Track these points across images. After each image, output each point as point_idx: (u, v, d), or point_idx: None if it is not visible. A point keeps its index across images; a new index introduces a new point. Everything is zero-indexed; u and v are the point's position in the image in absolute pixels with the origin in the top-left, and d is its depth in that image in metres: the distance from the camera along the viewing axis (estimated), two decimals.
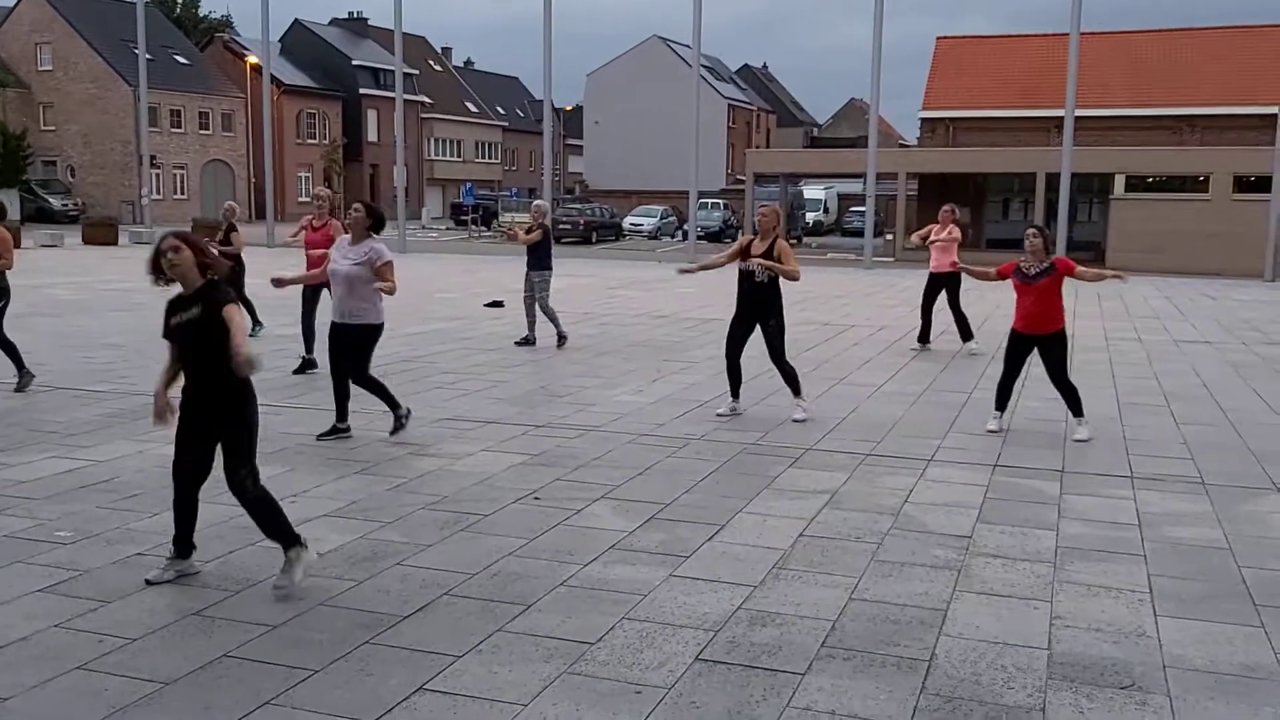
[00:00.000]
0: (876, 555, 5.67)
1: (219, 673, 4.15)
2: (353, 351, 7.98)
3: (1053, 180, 31.97)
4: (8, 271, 9.74)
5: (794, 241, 45.81)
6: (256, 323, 13.63)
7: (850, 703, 4.00)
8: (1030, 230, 8.58)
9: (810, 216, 54.50)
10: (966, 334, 13.52)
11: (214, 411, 4.89)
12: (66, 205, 52.46)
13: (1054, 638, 4.61)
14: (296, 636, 4.51)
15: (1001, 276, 8.78)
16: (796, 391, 9.19)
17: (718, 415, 9.16)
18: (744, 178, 44.66)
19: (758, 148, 71.46)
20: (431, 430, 8.36)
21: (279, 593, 4.89)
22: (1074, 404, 8.60)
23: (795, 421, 8.94)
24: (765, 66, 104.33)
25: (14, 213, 46.75)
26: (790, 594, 5.09)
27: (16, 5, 57.39)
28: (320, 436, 8.05)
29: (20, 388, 9.74)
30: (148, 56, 41.94)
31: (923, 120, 45.17)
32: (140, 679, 4.07)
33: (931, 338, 13.75)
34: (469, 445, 7.94)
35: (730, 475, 7.24)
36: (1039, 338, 8.51)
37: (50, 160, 56.66)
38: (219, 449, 4.98)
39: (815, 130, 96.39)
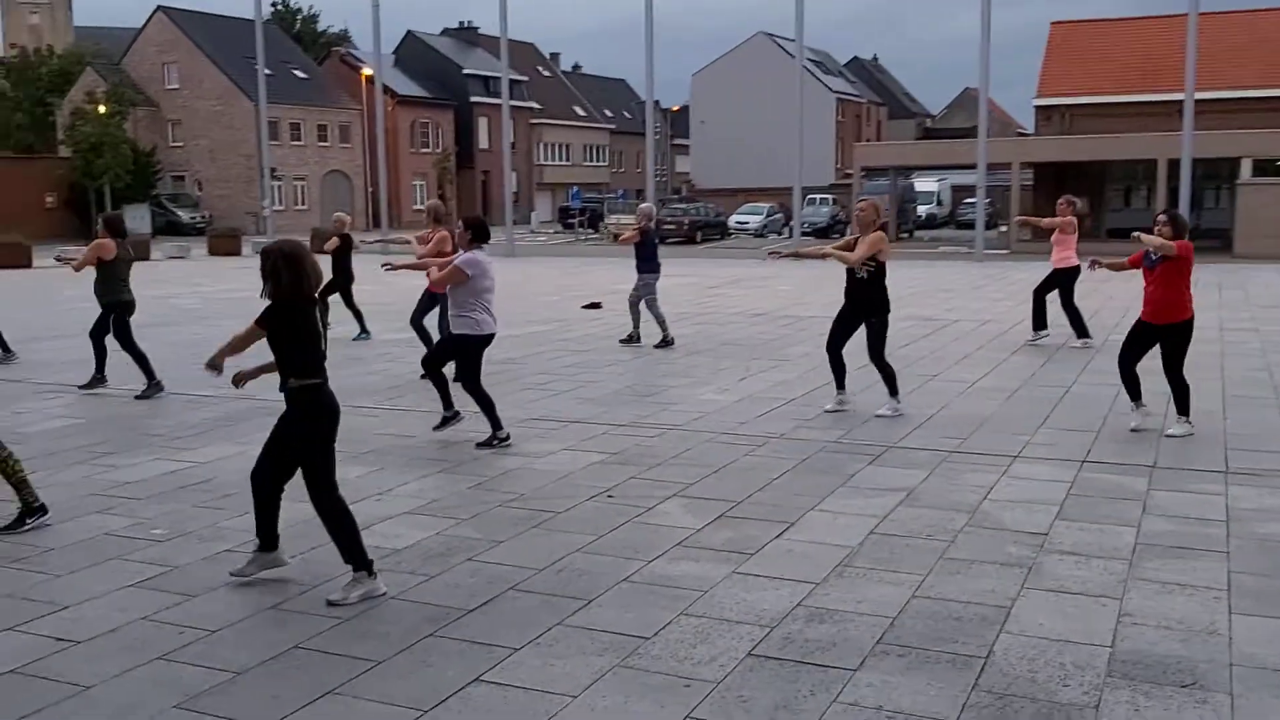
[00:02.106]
0: (946, 553, 5.61)
1: (289, 663, 4.35)
2: (456, 360, 8.11)
3: (1175, 166, 30.79)
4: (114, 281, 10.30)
5: (905, 235, 45.10)
6: (363, 330, 14.07)
7: (898, 698, 3.99)
8: (1161, 215, 8.21)
9: (922, 209, 53.51)
10: (1082, 331, 13.10)
11: (285, 423, 5.04)
12: (194, 218, 54.75)
13: (1119, 635, 4.52)
14: (365, 629, 4.69)
15: (1133, 265, 8.43)
16: (893, 391, 9.12)
17: (826, 410, 9.12)
18: (853, 172, 44.16)
19: (867, 141, 70.53)
20: (517, 430, 8.51)
21: (331, 605, 4.90)
22: (1181, 401, 8.28)
23: (877, 416, 8.88)
24: (876, 59, 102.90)
25: (145, 226, 49.09)
26: (852, 591, 5.08)
27: (144, 28, 60.14)
28: (435, 429, 8.29)
29: (146, 395, 10.24)
30: (268, 72, 43.48)
31: (1038, 108, 43.98)
32: (215, 669, 4.29)
33: (1048, 326, 13.38)
34: (551, 444, 8.10)
35: (806, 473, 7.23)
36: (1161, 328, 8.13)
37: (179, 175, 59.23)
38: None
39: (929, 121, 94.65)
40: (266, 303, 4.98)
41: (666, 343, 13.18)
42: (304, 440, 4.99)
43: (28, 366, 12.07)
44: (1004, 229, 39.59)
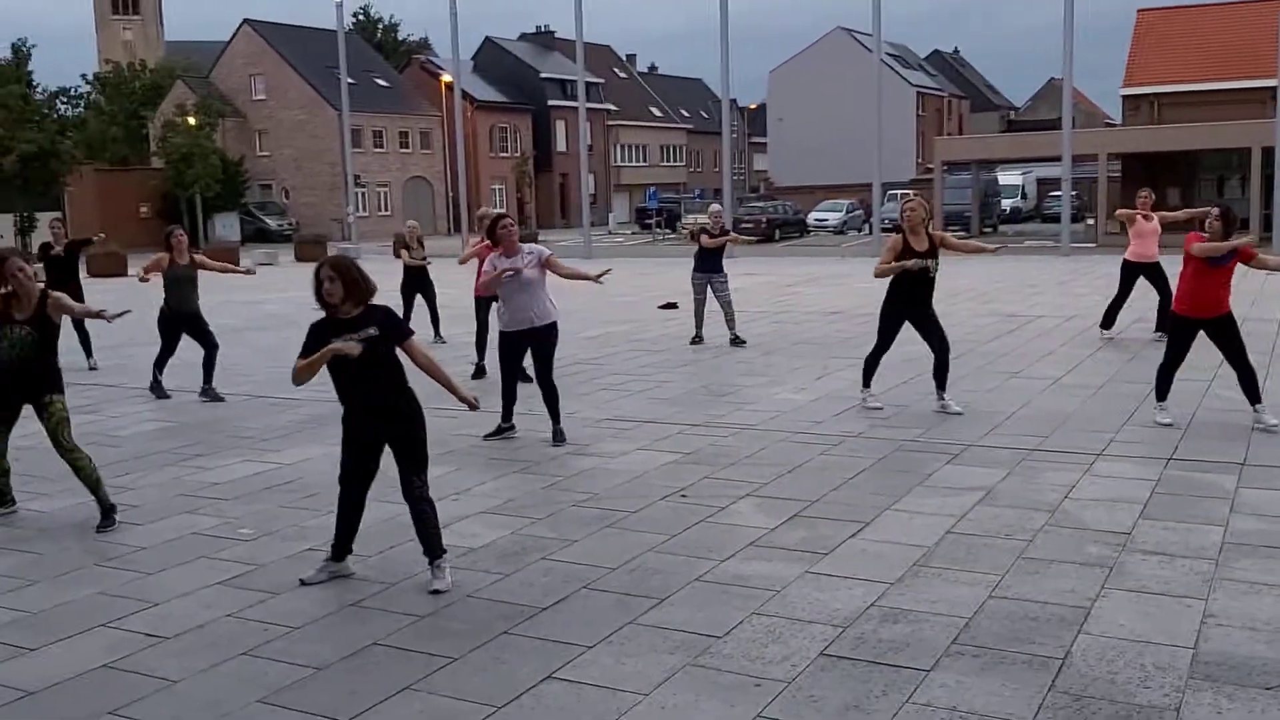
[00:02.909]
0: (1025, 552, 5.53)
1: (367, 660, 4.45)
2: (540, 353, 8.22)
3: (1269, 155, 29.84)
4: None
5: (989, 230, 44.28)
6: (437, 335, 14.27)
7: (972, 699, 3.94)
8: (1214, 210, 8.15)
9: (1006, 204, 52.53)
10: (1162, 324, 12.76)
11: (388, 425, 5.20)
12: (282, 225, 56.02)
13: (1203, 636, 4.41)
14: (441, 626, 4.78)
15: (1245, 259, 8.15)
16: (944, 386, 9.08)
17: (870, 409, 9.07)
18: (934, 167, 43.53)
19: (949, 135, 69.47)
20: (593, 430, 8.60)
21: (438, 593, 5.11)
22: (1255, 388, 8.16)
23: (950, 414, 8.83)
24: (957, 51, 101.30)
25: (234, 234, 50.40)
26: (927, 591, 5.03)
27: (232, 40, 61.72)
28: (486, 436, 8.39)
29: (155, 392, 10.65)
30: (350, 81, 44.36)
31: (1124, 98, 42.94)
32: (296, 665, 4.41)
33: (1120, 325, 13.07)
34: (625, 444, 8.14)
35: (882, 473, 7.17)
36: (1208, 321, 8.10)
37: (266, 184, 60.63)
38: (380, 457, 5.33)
39: (1012, 114, 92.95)
40: (343, 312, 5.18)
41: (698, 340, 13.43)
42: (422, 434, 5.26)
43: (123, 371, 12.48)
44: (1090, 221, 38.70)
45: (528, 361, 8.47)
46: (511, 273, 7.95)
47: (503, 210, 12.20)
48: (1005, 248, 9.11)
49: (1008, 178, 54.41)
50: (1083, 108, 78.57)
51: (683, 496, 6.69)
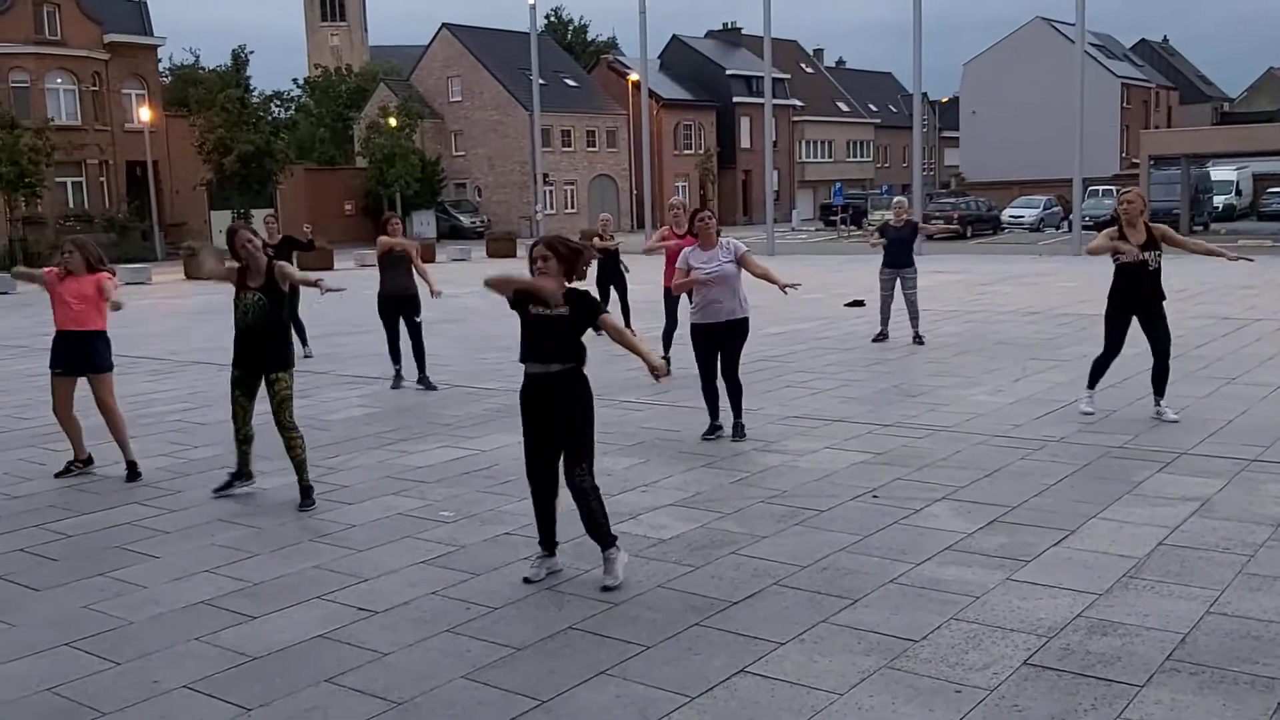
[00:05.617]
0: (1246, 568, 5.20)
1: (564, 642, 4.56)
2: (729, 347, 8.25)
3: None
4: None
5: (1199, 228, 41.81)
6: (628, 328, 14.48)
7: (1190, 719, 3.73)
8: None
9: (1219, 200, 49.47)
10: None
11: (558, 405, 5.15)
12: (475, 223, 57.93)
13: None
14: (634, 614, 4.84)
15: None
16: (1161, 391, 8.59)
17: (1083, 412, 8.68)
18: (1139, 161, 41.39)
19: (1156, 128, 65.90)
20: (779, 427, 8.55)
21: (608, 589, 5.08)
22: None
23: (1166, 421, 8.36)
24: (1166, 40, 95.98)
25: (430, 231, 52.38)
26: (1138, 604, 4.80)
27: (431, 44, 64.13)
28: (704, 437, 8.32)
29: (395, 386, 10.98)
30: (541, 82, 45.46)
31: None
32: (497, 643, 4.55)
33: None
34: (813, 442, 8.06)
35: (1087, 479, 6.87)
36: None
37: (461, 182, 62.77)
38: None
39: (1226, 105, 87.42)
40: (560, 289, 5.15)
41: (882, 336, 13.35)
42: (588, 419, 5.20)
43: (333, 359, 13.16)
44: None
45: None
46: (704, 285, 8.03)
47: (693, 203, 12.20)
48: (1243, 257, 8.77)
49: (1220, 173, 51.23)
50: None
51: (874, 497, 6.58)
